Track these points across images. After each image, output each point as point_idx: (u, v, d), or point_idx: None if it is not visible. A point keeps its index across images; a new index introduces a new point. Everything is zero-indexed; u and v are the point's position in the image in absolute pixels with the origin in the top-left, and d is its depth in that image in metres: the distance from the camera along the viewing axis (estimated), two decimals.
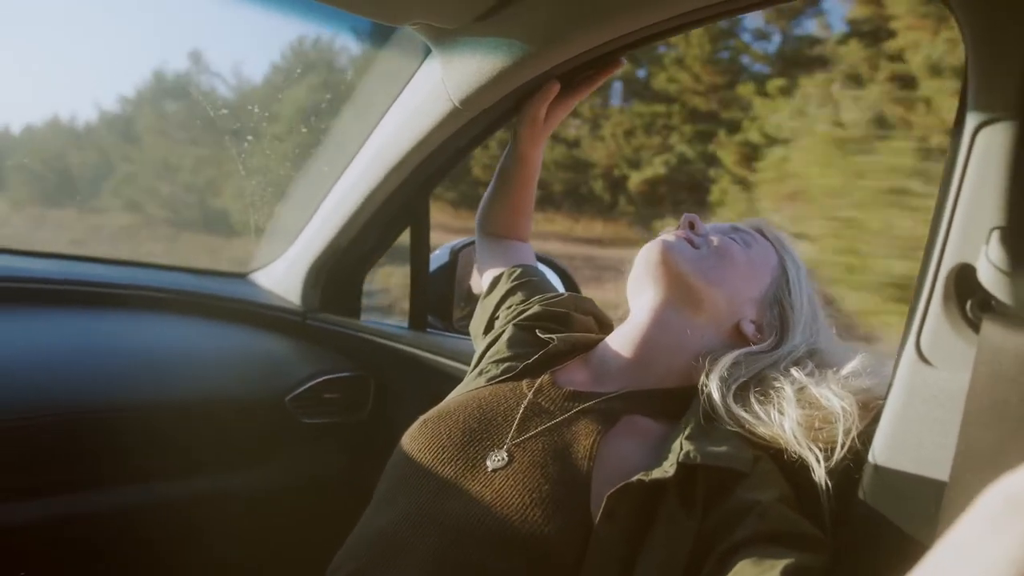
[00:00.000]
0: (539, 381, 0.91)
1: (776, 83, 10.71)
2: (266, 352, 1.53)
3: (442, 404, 0.94)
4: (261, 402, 1.40)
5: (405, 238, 1.50)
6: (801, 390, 0.80)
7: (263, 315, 1.62)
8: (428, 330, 1.52)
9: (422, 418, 0.91)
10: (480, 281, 1.24)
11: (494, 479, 0.78)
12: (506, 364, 0.96)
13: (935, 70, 8.12)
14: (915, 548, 0.57)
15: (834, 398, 0.77)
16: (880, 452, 0.70)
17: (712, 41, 11.54)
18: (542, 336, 0.98)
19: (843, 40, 9.96)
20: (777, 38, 11.85)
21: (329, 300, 1.63)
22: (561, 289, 1.18)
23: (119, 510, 1.24)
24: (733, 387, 0.83)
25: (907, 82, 8.45)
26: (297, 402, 1.43)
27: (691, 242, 0.95)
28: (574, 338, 0.98)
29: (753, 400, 0.81)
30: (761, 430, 0.78)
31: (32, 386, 1.19)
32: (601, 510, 0.71)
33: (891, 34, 8.81)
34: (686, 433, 0.78)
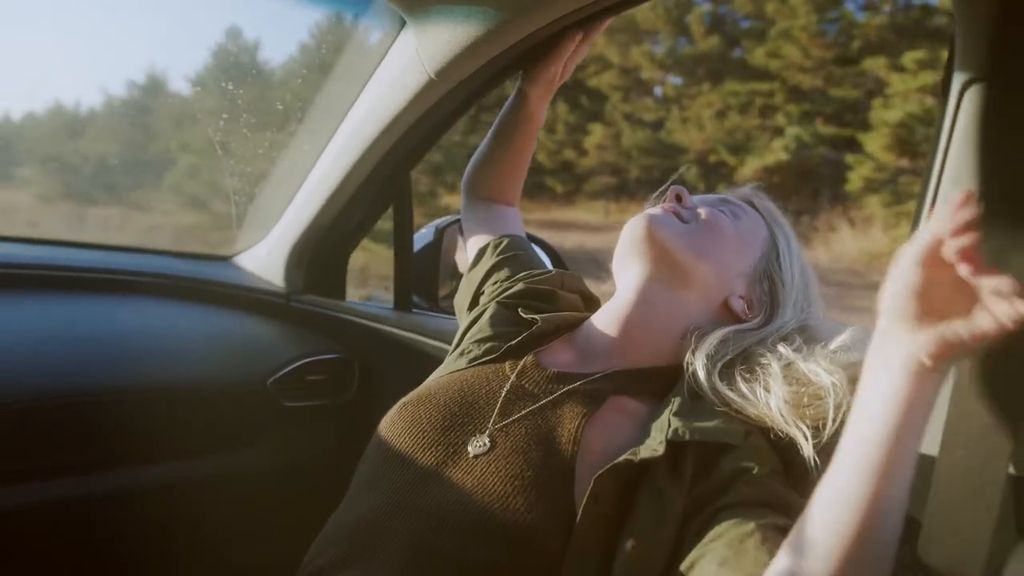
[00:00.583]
0: (522, 363, 0.89)
1: (913, 55, 9.31)
2: (248, 335, 1.51)
3: (422, 386, 0.92)
4: (242, 385, 1.38)
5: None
6: (788, 366, 0.78)
7: (246, 298, 1.61)
8: (413, 310, 1.51)
9: (402, 401, 0.89)
10: (466, 252, 1.21)
11: (475, 465, 0.76)
12: (488, 344, 0.94)
13: None
14: (905, 524, 0.56)
15: (823, 373, 0.75)
16: None
17: (818, 11, 10.01)
18: (525, 316, 0.96)
19: None
20: (888, 8, 10.30)
21: (313, 281, 1.61)
22: (548, 264, 1.15)
23: (99, 494, 1.23)
24: (719, 365, 0.81)
25: None
26: (279, 385, 1.42)
27: (679, 215, 0.92)
28: (558, 318, 0.96)
29: (739, 378, 0.79)
30: (749, 411, 0.76)
31: (11, 372, 1.18)
32: (588, 493, 0.69)
33: None
34: (673, 409, 0.76)
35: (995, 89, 0.58)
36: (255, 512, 1.35)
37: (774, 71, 9.59)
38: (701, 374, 0.80)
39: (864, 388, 0.59)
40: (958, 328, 0.52)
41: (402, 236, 1.49)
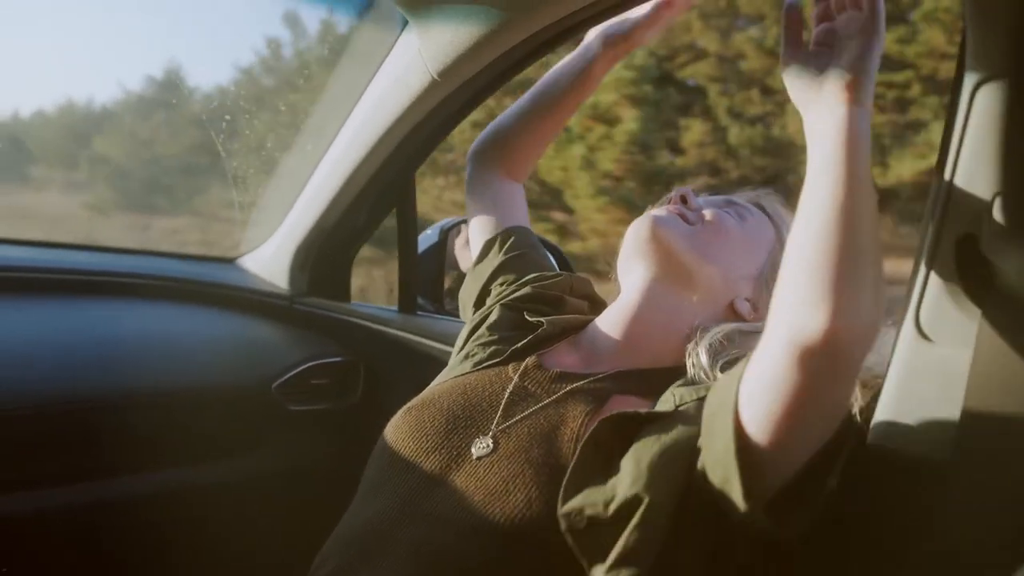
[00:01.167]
0: (524, 364, 0.88)
1: None
2: (253, 338, 1.51)
3: (426, 391, 0.92)
4: (247, 389, 1.38)
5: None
6: None
7: (249, 300, 1.59)
8: (418, 313, 1.50)
9: (406, 406, 0.89)
10: (469, 232, 1.17)
11: (478, 467, 0.76)
12: (493, 347, 0.94)
13: None
14: (918, 528, 0.55)
15: None
16: (879, 431, 0.68)
17: None
18: (531, 319, 0.95)
19: None
20: None
21: (317, 283, 1.60)
22: (554, 263, 1.14)
23: (104, 501, 1.23)
24: (720, 362, 0.80)
25: None
26: (284, 389, 1.41)
27: (684, 217, 0.91)
28: (564, 320, 0.96)
29: None
30: None
31: (13, 377, 1.17)
32: (587, 437, 0.70)
33: None
34: (677, 384, 0.78)
35: (1012, 90, 0.57)
36: (260, 517, 1.35)
37: (909, 58, 8.07)
38: (704, 359, 0.80)
39: (808, 129, 0.67)
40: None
41: (406, 238, 1.47)
